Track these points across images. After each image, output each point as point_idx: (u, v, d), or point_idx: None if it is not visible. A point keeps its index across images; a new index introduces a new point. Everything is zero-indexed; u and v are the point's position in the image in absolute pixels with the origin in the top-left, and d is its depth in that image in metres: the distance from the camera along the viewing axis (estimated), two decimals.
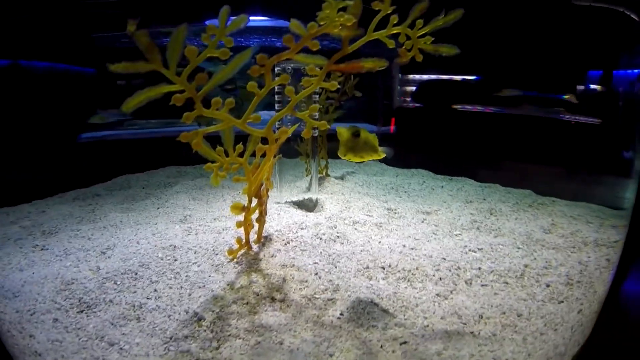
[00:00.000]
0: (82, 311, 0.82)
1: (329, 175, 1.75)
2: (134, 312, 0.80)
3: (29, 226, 1.27)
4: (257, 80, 0.79)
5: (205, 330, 0.75)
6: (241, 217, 0.95)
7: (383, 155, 0.97)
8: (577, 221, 1.37)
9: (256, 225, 1.01)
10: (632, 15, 1.27)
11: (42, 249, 1.10)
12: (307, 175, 1.70)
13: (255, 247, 1.02)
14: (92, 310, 0.82)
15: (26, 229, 1.25)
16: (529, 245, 1.18)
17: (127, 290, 0.87)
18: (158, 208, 1.45)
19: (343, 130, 0.93)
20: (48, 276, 0.93)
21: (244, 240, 0.98)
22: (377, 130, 2.25)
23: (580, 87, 1.63)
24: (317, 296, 0.86)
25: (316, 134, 1.42)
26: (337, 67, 0.79)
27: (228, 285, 0.88)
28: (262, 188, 0.95)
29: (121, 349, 0.72)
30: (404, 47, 0.83)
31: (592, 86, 1.61)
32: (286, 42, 0.74)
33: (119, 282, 0.89)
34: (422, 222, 1.34)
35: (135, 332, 0.75)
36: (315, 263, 0.97)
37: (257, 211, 0.99)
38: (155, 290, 0.87)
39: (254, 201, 0.95)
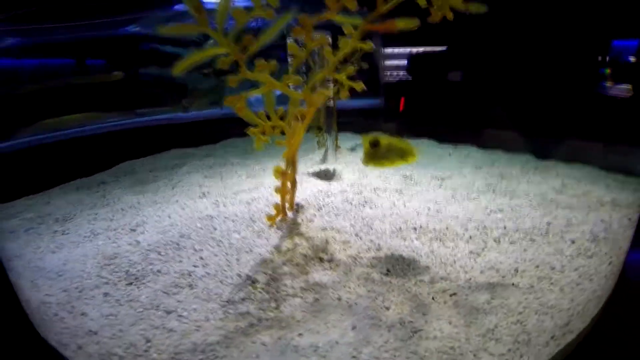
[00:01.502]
0: (131, 283, 0.82)
1: (339, 147, 1.76)
2: (185, 280, 0.81)
3: (35, 217, 1.23)
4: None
5: (261, 292, 0.77)
6: (276, 184, 0.96)
7: (415, 159, 0.92)
8: (583, 182, 1.40)
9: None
10: None
11: (63, 233, 1.09)
12: (319, 148, 1.70)
13: (289, 213, 1.03)
14: (141, 282, 0.82)
15: (32, 220, 1.21)
16: (545, 205, 1.20)
17: (173, 260, 0.87)
18: (173, 188, 1.44)
19: (365, 139, 0.93)
20: (87, 253, 0.93)
21: (280, 208, 0.99)
22: (380, 104, 2.25)
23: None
24: (362, 255, 0.88)
25: (331, 105, 1.43)
26: (372, 27, 0.80)
27: (274, 248, 0.89)
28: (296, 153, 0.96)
29: (179, 316, 0.72)
30: (434, 5, 0.83)
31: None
32: (328, 2, 0.74)
33: (162, 253, 0.90)
34: (440, 187, 1.37)
35: (190, 299, 0.76)
36: (352, 225, 0.99)
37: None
38: (201, 258, 0.87)
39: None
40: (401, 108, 2.16)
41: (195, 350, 0.65)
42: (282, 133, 0.91)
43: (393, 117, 2.23)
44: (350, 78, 0.93)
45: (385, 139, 0.90)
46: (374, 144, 0.90)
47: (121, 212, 1.21)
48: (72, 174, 1.60)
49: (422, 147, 1.96)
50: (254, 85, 0.80)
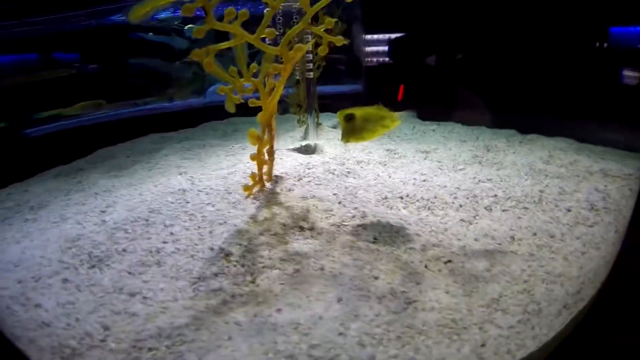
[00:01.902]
0: (93, 266, 0.73)
1: (321, 124, 1.70)
2: (153, 257, 0.73)
3: (13, 206, 1.14)
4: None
5: (235, 265, 0.69)
6: (254, 151, 0.89)
7: (397, 123, 0.88)
8: (569, 152, 1.36)
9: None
10: None
11: (34, 221, 1.00)
12: (300, 127, 1.64)
13: (268, 184, 0.96)
14: (105, 263, 0.74)
15: (10, 209, 1.12)
16: (534, 175, 1.15)
17: (141, 237, 0.79)
18: (150, 170, 1.34)
19: (340, 114, 0.86)
20: (50, 238, 0.84)
21: (257, 178, 0.91)
22: (361, 90, 2.19)
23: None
24: (345, 223, 0.82)
25: (311, 76, 1.36)
26: None
27: (251, 219, 0.82)
28: (273, 117, 0.89)
29: (144, 297, 0.65)
30: None
31: None
32: None
33: (129, 231, 0.81)
34: (425, 159, 1.32)
35: (157, 278, 0.69)
36: (335, 194, 0.93)
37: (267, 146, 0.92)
38: (172, 233, 0.80)
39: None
40: (400, 97, 2.11)
41: (160, 335, 0.57)
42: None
43: (374, 99, 2.17)
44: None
45: (360, 110, 0.84)
46: (349, 118, 0.83)
47: (94, 197, 1.12)
48: (51, 163, 1.52)
49: (404, 123, 1.90)
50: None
